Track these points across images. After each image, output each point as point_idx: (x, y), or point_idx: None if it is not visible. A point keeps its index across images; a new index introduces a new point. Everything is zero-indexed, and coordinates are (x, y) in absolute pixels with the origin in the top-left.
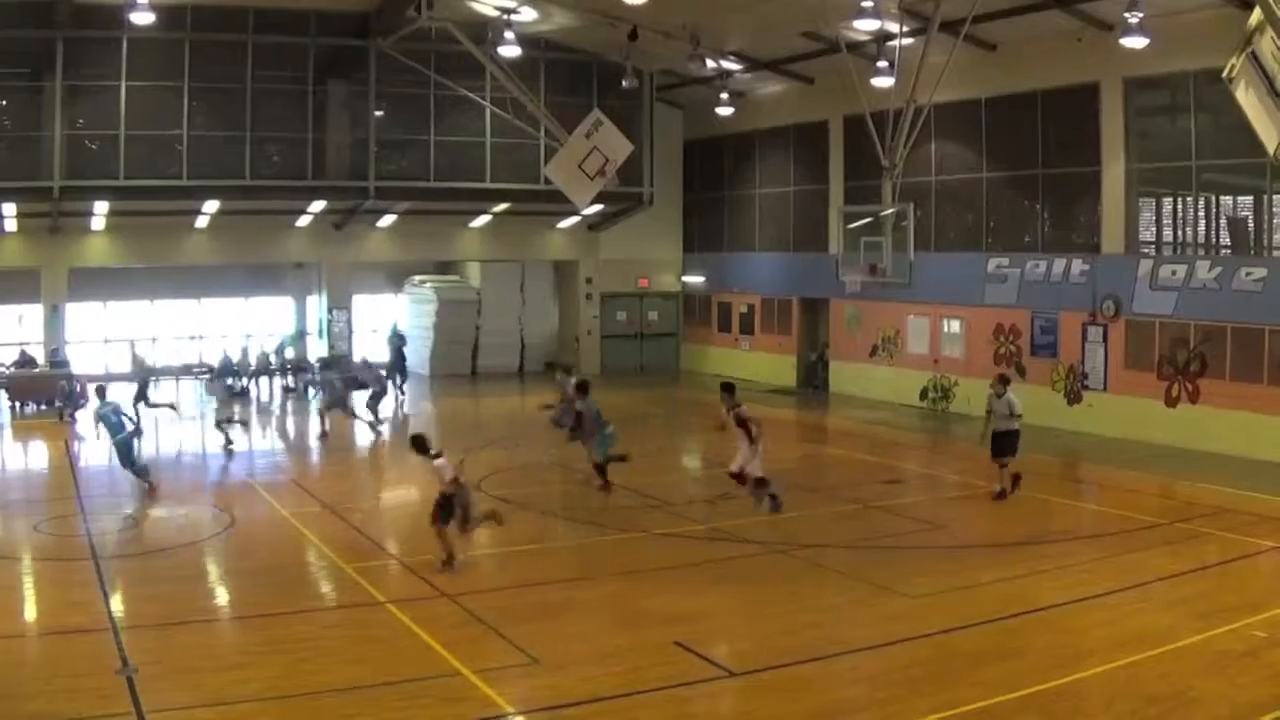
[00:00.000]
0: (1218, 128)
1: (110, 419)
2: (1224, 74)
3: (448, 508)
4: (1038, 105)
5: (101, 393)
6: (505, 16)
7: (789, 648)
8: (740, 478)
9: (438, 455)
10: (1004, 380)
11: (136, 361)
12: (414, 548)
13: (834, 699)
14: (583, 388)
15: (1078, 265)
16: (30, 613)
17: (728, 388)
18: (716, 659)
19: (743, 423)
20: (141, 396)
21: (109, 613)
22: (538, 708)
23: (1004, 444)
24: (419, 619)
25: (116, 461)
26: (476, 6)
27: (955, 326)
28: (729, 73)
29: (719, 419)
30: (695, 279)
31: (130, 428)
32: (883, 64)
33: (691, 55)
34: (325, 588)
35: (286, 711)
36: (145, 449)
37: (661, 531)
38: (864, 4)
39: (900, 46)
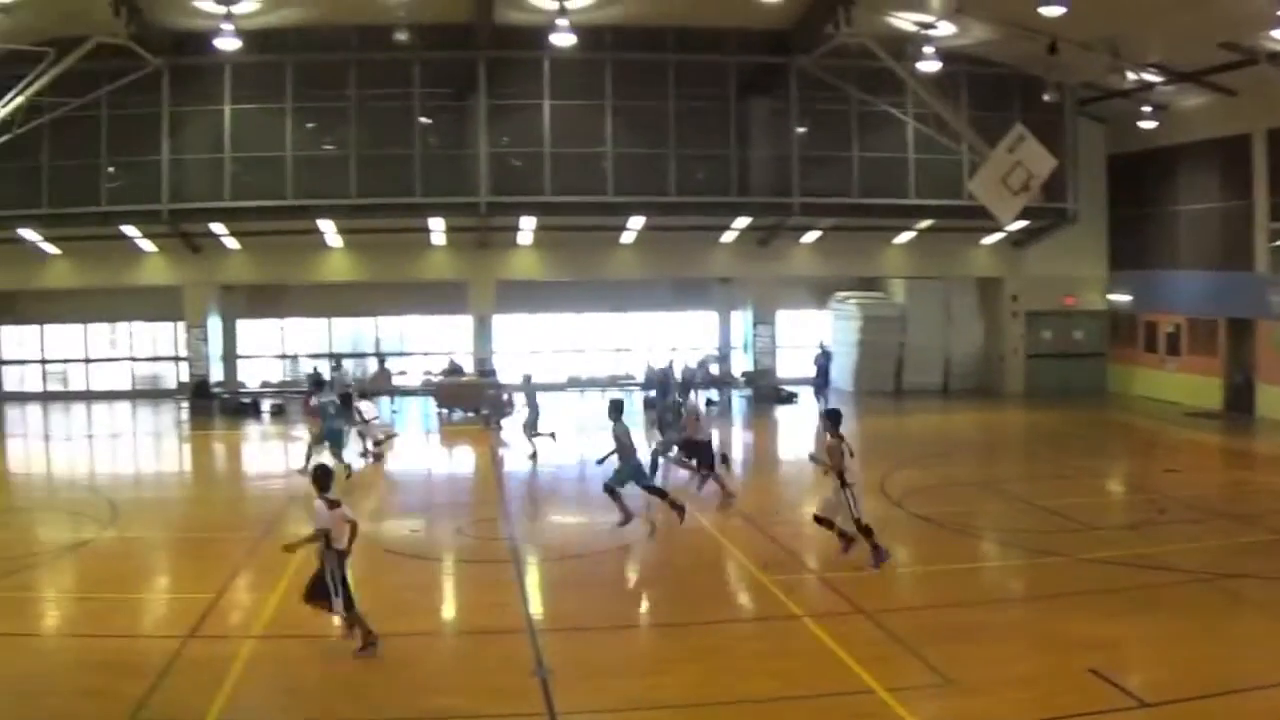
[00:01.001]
0: None
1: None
2: None
3: (328, 579)
4: None
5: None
6: (924, 31)
7: (1203, 681)
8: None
9: (336, 503)
10: None
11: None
12: (833, 562)
13: None
14: (616, 408)
15: None
16: (450, 612)
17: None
18: (1130, 688)
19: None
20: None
21: (527, 615)
22: None
23: None
24: (835, 634)
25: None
26: (895, 22)
27: None
28: (1150, 85)
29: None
30: (1121, 297)
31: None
32: None
33: (1111, 67)
34: (743, 599)
35: None
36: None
37: (1083, 556)
38: None
39: None
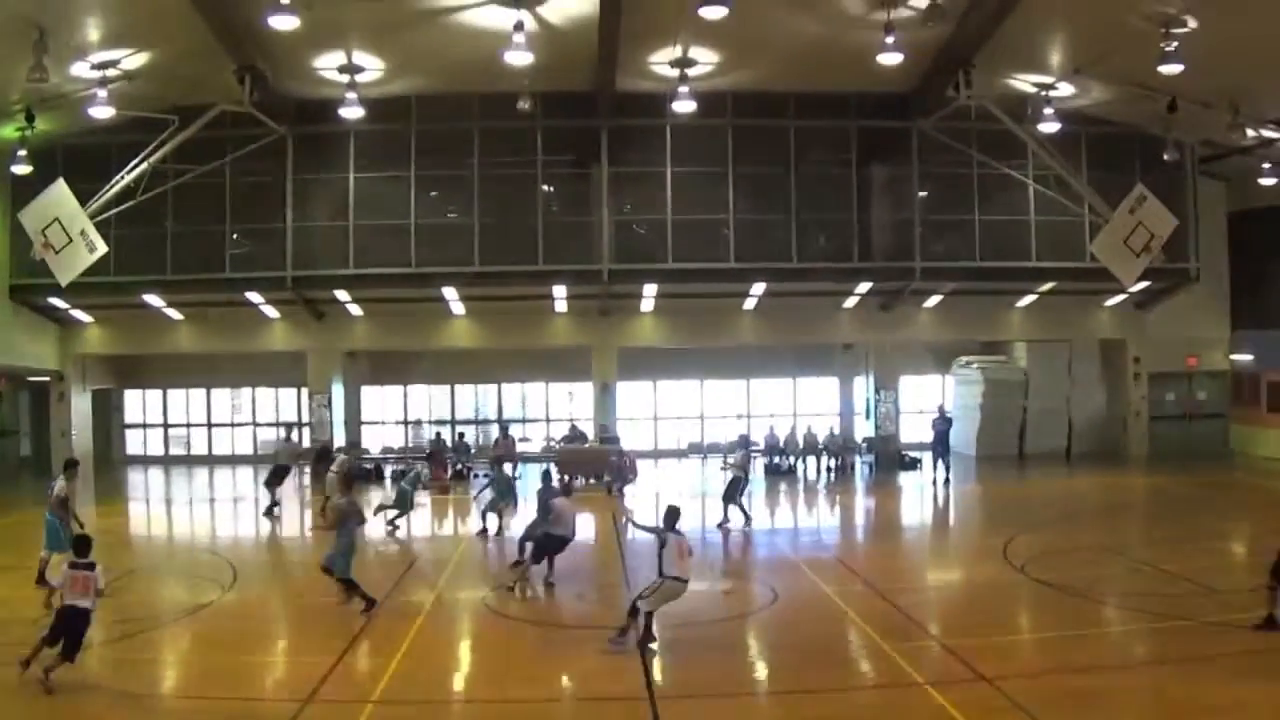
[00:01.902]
0: None
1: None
2: None
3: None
4: None
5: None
6: (1043, 93)
7: None
8: None
9: (89, 565)
10: None
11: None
12: (955, 629)
13: None
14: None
15: None
16: (567, 679)
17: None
18: None
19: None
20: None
21: (647, 681)
22: None
23: None
24: (956, 701)
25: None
26: (1014, 84)
27: None
28: (1270, 141)
29: None
30: (1244, 356)
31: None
32: None
33: (1231, 125)
34: (864, 666)
35: None
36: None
37: (1206, 620)
38: None
39: None
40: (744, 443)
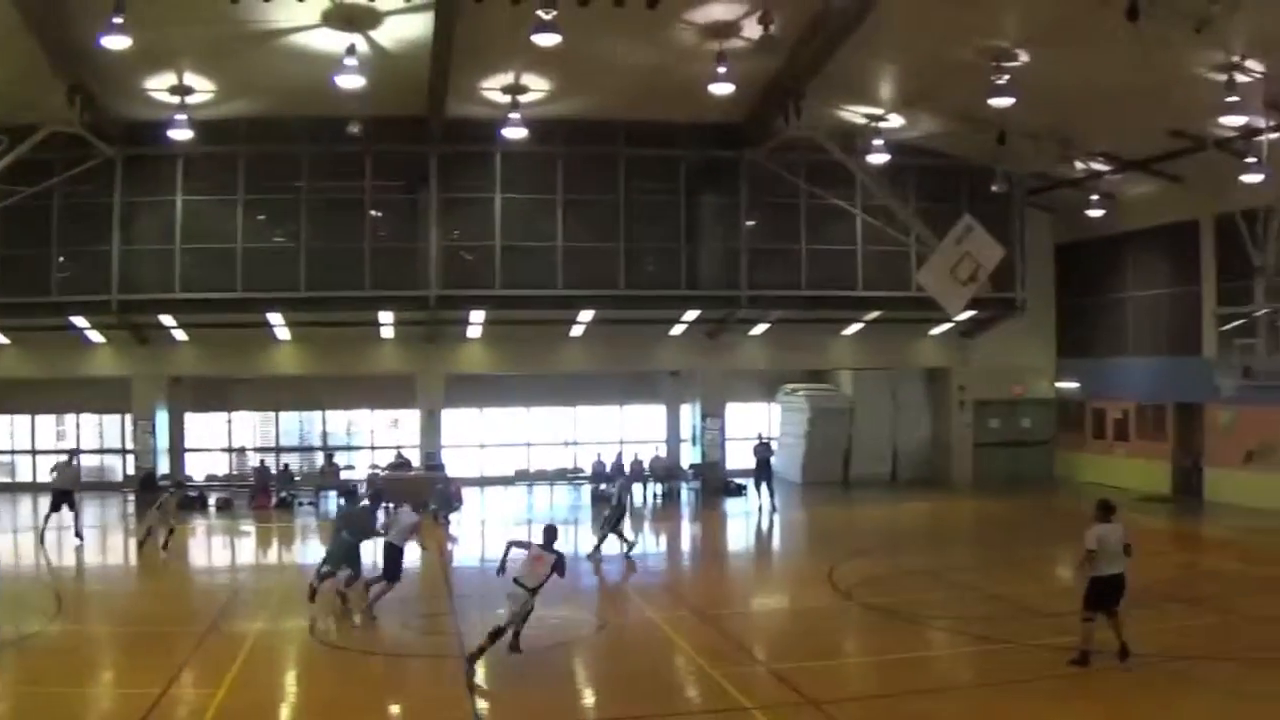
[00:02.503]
0: None
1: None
2: None
3: None
4: None
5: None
6: (873, 124)
7: None
8: None
9: None
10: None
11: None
12: (782, 653)
13: None
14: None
15: None
16: (396, 709)
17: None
18: None
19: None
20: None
21: (474, 711)
22: None
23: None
24: None
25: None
26: (844, 115)
27: None
28: (1098, 173)
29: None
30: (1069, 385)
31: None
32: (1251, 160)
33: (1060, 157)
34: (692, 692)
35: None
36: None
37: (1031, 642)
38: (1229, 99)
39: (1269, 141)
40: (634, 469)
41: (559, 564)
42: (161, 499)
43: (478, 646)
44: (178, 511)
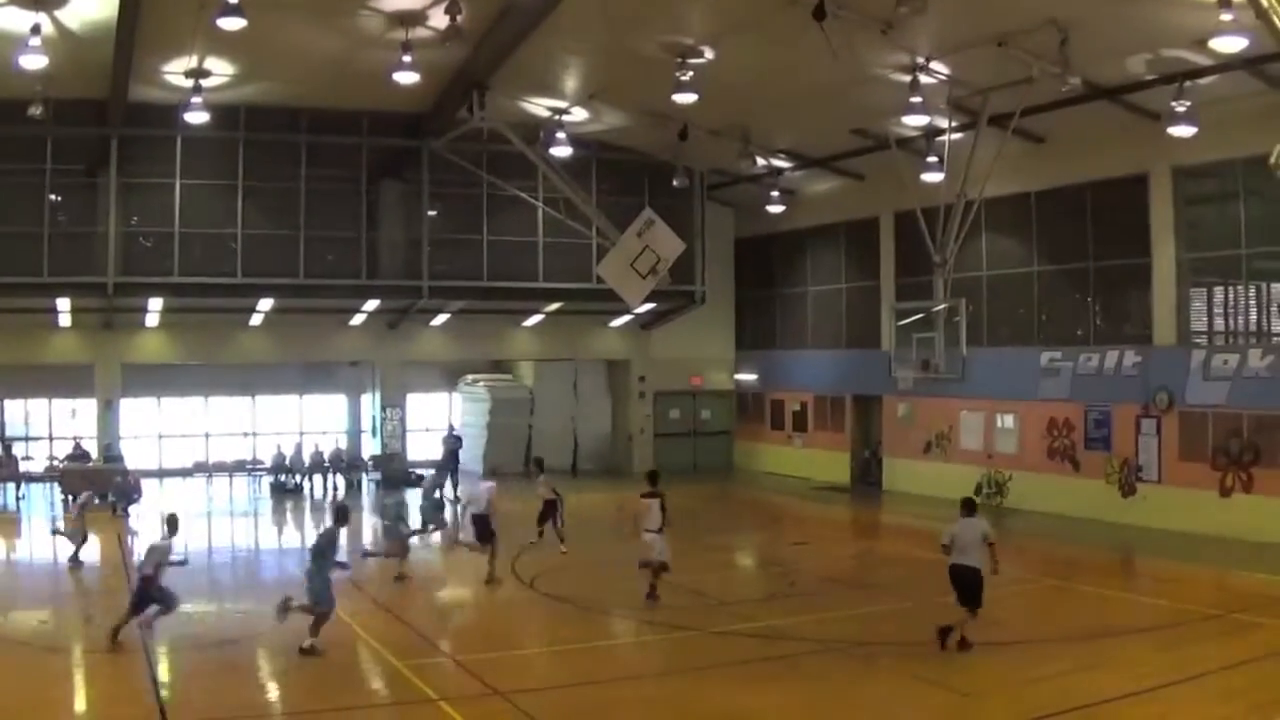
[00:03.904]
0: (1267, 214)
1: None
2: (1271, 159)
3: None
4: (1087, 197)
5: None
6: (556, 117)
7: None
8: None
9: None
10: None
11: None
12: (467, 645)
13: None
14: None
15: (1130, 357)
16: (80, 704)
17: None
18: None
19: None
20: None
21: (159, 705)
22: None
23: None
24: (472, 716)
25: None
26: (528, 107)
27: (1009, 421)
28: (779, 170)
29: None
30: (748, 377)
31: None
32: (932, 159)
33: (741, 154)
34: (377, 685)
35: None
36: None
37: (716, 630)
38: (913, 100)
39: (950, 141)
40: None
41: (663, 502)
42: None
43: (650, 583)
44: None
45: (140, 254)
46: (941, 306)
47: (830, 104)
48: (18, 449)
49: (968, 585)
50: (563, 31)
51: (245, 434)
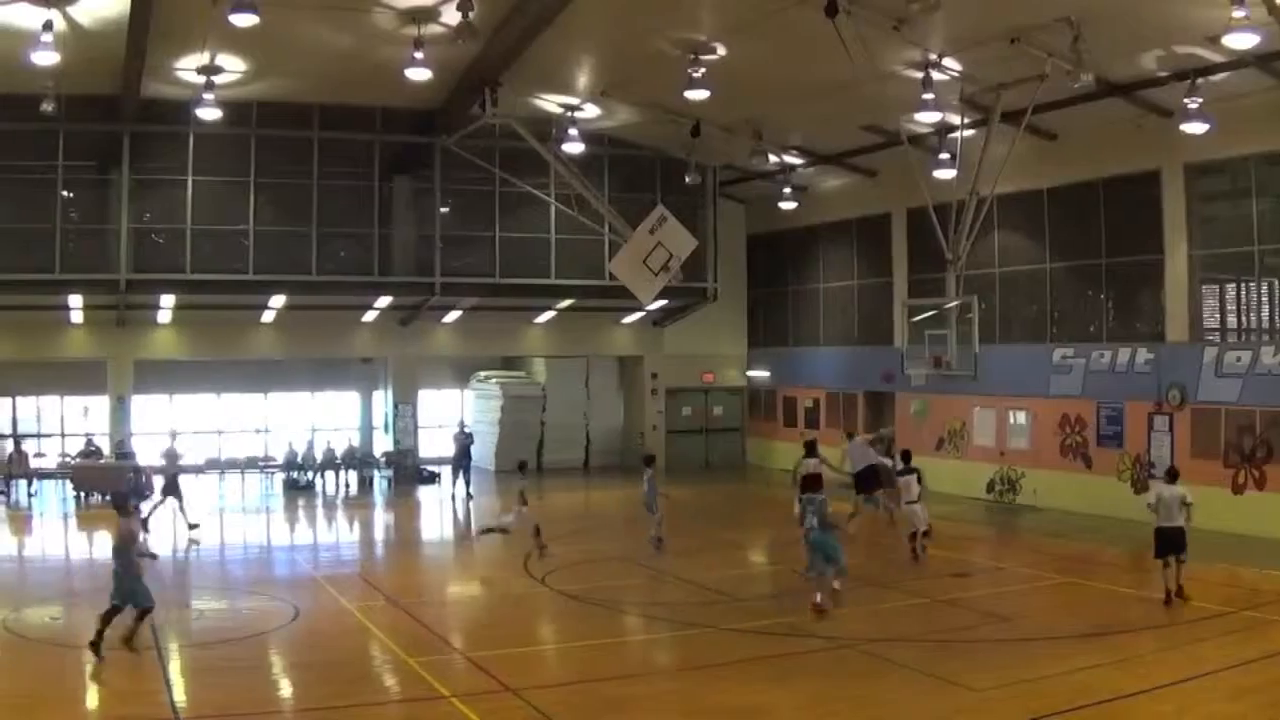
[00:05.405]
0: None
1: None
2: None
3: None
4: (1100, 194)
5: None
6: (569, 113)
7: None
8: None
9: None
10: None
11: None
12: (479, 642)
13: None
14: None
15: (1142, 354)
16: (92, 701)
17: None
18: None
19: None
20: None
21: (171, 703)
22: None
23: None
24: (484, 713)
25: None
26: (540, 104)
27: (1021, 418)
28: (791, 167)
29: None
30: (760, 373)
31: None
32: (944, 156)
33: (754, 150)
34: (389, 681)
35: None
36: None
37: (727, 627)
38: (925, 96)
39: (962, 138)
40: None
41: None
42: None
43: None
44: None
45: (152, 250)
46: (954, 303)
47: (842, 100)
48: (28, 446)
49: (1173, 542)
50: (575, 28)
51: (258, 430)
